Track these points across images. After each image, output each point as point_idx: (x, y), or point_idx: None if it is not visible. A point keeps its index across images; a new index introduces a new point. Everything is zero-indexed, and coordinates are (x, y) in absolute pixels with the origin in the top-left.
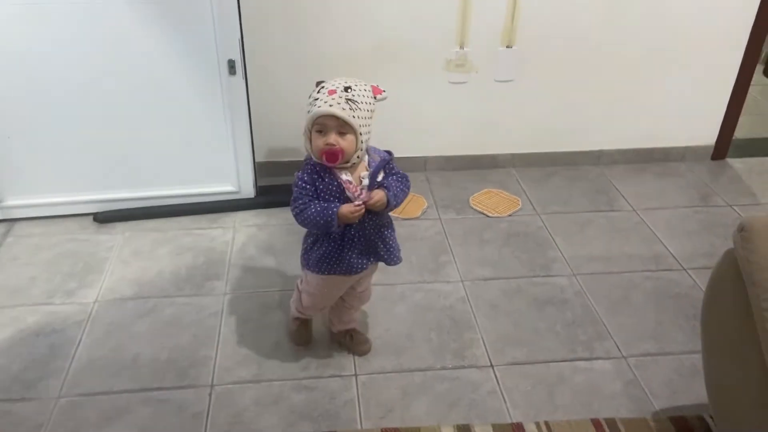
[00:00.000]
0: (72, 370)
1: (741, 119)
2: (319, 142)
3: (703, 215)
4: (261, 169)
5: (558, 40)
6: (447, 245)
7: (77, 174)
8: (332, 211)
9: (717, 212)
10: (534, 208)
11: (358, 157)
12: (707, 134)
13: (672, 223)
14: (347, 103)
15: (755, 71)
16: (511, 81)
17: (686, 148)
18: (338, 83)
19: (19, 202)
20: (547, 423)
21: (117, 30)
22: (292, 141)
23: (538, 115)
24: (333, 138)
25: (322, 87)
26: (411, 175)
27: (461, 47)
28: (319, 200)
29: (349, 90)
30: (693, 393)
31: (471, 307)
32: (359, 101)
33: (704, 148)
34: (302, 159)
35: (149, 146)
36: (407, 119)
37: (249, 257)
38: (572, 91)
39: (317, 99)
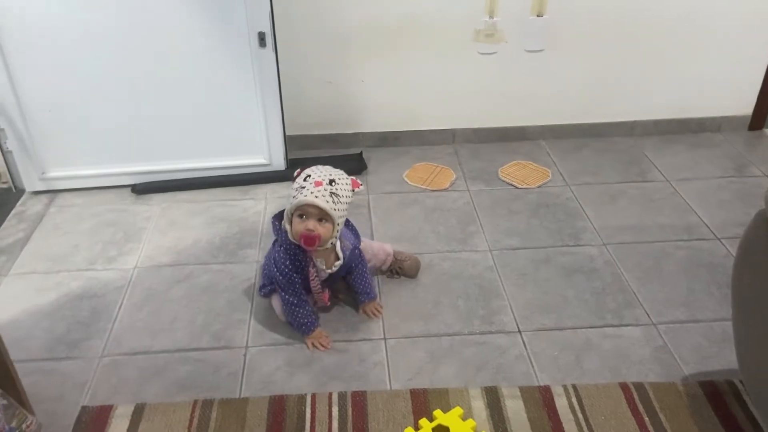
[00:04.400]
0: (114, 332)
1: None
2: (300, 227)
3: (739, 185)
4: (291, 142)
5: (589, 8)
6: (475, 216)
7: (115, 147)
8: (309, 329)
9: (753, 182)
10: (564, 180)
11: (331, 243)
12: (744, 104)
13: (706, 194)
14: (331, 196)
15: None
16: (541, 51)
17: (722, 119)
18: (324, 175)
19: (61, 173)
20: (574, 386)
21: (149, 6)
22: (321, 115)
23: (569, 86)
24: (312, 224)
25: (309, 176)
26: (439, 148)
27: (490, 17)
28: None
29: (333, 183)
30: (723, 359)
31: (499, 275)
32: (341, 195)
33: (741, 118)
34: (329, 132)
35: (183, 120)
36: (435, 91)
37: None
38: (604, 61)
39: (304, 188)
